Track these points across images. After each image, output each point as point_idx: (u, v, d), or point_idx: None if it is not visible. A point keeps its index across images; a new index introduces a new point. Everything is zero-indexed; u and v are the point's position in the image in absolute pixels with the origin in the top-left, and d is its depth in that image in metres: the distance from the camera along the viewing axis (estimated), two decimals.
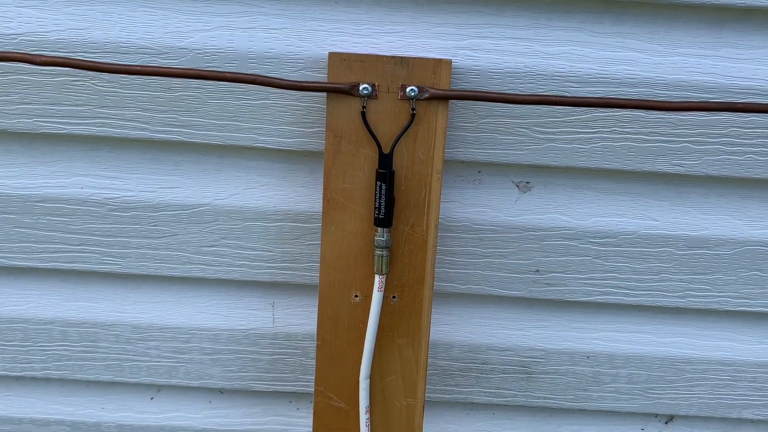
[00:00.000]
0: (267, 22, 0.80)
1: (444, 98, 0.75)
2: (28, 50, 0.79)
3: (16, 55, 0.72)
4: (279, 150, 0.88)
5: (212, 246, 0.93)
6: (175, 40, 0.80)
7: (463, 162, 0.87)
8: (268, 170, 0.89)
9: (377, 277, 0.82)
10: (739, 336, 1.01)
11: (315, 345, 0.98)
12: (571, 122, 0.83)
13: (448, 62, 0.76)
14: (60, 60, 0.71)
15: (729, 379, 1.04)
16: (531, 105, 0.75)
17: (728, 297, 0.96)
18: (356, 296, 0.85)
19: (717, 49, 0.80)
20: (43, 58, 0.72)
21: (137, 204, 0.91)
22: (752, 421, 1.07)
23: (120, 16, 0.80)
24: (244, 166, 0.89)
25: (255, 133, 0.86)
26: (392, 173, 0.78)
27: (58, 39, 0.80)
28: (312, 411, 1.04)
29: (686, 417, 1.08)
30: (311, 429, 1.03)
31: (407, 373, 0.87)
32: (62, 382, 1.08)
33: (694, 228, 0.91)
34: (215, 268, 0.96)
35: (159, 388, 1.08)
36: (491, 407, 1.08)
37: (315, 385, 0.87)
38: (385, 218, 0.79)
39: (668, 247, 0.92)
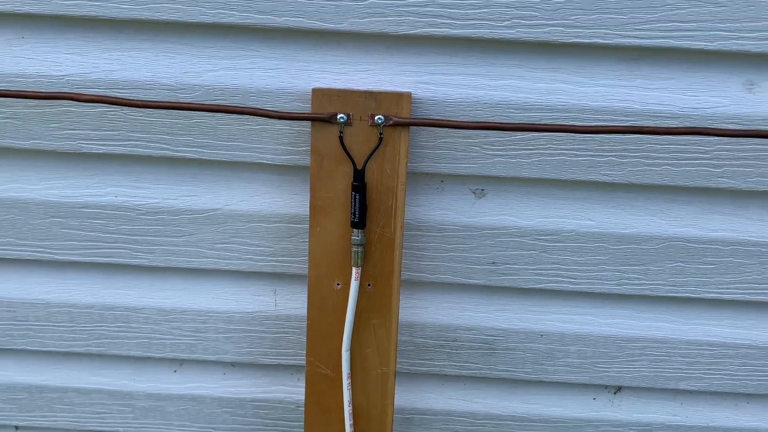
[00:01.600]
0: (264, 64, 0.95)
1: (405, 125, 0.91)
2: (73, 89, 0.95)
3: (64, 94, 0.89)
4: (275, 165, 1.02)
5: (223, 243, 1.08)
6: (189, 79, 0.95)
7: (428, 174, 1.02)
8: (267, 181, 1.04)
9: (354, 269, 0.97)
10: (672, 317, 1.14)
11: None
12: (514, 141, 0.98)
13: (409, 95, 0.91)
14: (99, 98, 0.88)
15: (665, 355, 1.16)
16: (475, 129, 0.91)
17: (659, 284, 1.09)
18: (338, 284, 1.00)
19: (632, 81, 0.94)
20: (86, 97, 0.89)
21: (162, 209, 1.06)
22: (689, 392, 1.20)
23: (146, 59, 0.95)
24: (248, 178, 1.04)
25: (256, 152, 1.00)
26: (365, 185, 0.94)
27: (97, 78, 0.95)
28: None
29: (632, 388, 1.21)
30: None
31: (381, 346, 1.02)
32: (101, 356, 1.21)
33: (623, 227, 1.05)
34: (226, 261, 1.10)
35: (181, 362, 1.22)
36: (462, 378, 1.21)
37: (306, 356, 1.02)
38: (359, 221, 0.94)
39: (603, 243, 1.06)
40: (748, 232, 1.05)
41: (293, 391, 1.22)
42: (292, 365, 1.19)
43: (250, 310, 1.15)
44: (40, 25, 0.94)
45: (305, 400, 1.05)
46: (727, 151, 0.98)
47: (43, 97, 0.90)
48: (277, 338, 1.16)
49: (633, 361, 1.17)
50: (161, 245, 1.08)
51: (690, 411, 1.23)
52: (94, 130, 0.99)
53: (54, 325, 1.17)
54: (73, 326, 1.17)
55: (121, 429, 1.26)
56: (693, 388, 1.19)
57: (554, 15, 0.89)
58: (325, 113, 0.91)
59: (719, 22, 0.89)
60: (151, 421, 1.26)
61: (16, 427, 1.29)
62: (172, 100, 0.94)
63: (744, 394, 1.20)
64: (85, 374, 1.23)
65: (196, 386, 1.24)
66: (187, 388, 1.24)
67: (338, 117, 0.91)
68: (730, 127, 0.93)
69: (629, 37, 0.90)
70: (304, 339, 1.16)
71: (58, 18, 0.93)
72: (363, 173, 0.93)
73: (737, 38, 0.90)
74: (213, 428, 1.25)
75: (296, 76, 0.95)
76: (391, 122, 0.90)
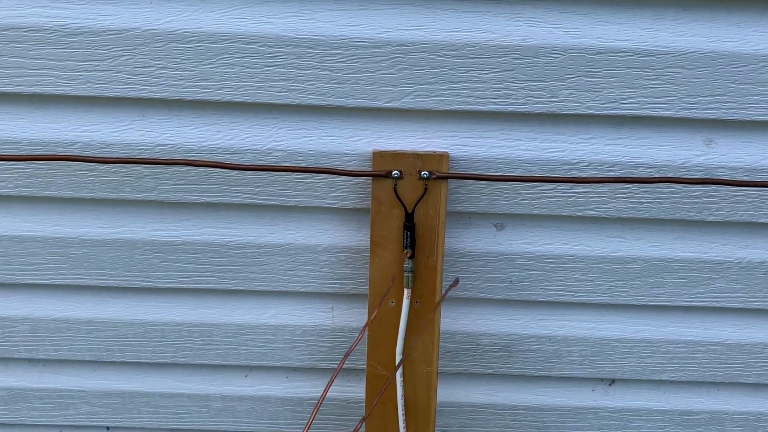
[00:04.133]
0: (333, 132, 1.17)
1: (445, 178, 1.15)
2: (184, 155, 1.16)
3: (181, 161, 1.13)
4: (337, 209, 1.23)
5: (293, 270, 1.28)
6: (275, 144, 1.17)
7: (459, 212, 1.24)
8: (333, 221, 1.24)
9: (406, 290, 1.19)
10: (654, 321, 1.33)
11: (360, 335, 1.30)
12: (526, 187, 1.21)
13: (447, 155, 1.15)
14: (211, 163, 1.12)
15: (649, 352, 1.35)
16: (498, 181, 1.16)
17: (643, 295, 1.29)
18: (392, 302, 1.23)
19: (618, 140, 1.17)
20: (199, 162, 1.13)
21: (245, 245, 1.26)
22: (670, 382, 1.39)
23: (241, 131, 1.16)
24: (315, 218, 1.24)
25: (322, 198, 1.22)
26: (413, 225, 1.16)
27: (202, 146, 1.17)
28: (360, 380, 1.37)
29: (623, 380, 1.39)
30: (363, 392, 1.35)
31: (426, 350, 1.24)
32: (184, 366, 1.38)
33: (614, 251, 1.26)
34: (294, 284, 1.29)
35: (251, 368, 1.39)
36: (485, 376, 1.39)
37: (367, 359, 1.24)
38: (410, 252, 1.18)
39: (598, 264, 1.27)
40: (711, 252, 1.27)
41: (345, 390, 1.40)
42: (344, 368, 1.37)
43: (312, 324, 1.34)
44: (157, 106, 1.16)
45: (366, 394, 1.27)
46: (692, 191, 1.22)
47: (163, 163, 1.14)
48: (333, 346, 1.36)
49: (624, 357, 1.36)
50: (243, 273, 1.29)
51: (671, 398, 1.41)
52: (195, 184, 1.22)
53: (148, 341, 1.36)
54: (163, 341, 1.36)
55: (197, 426, 1.44)
56: (673, 378, 1.38)
57: (558, 94, 1.14)
58: (383, 170, 1.15)
59: (683, 97, 1.14)
60: (223, 419, 1.44)
61: (107, 428, 1.46)
62: (261, 162, 1.17)
63: (714, 382, 1.39)
64: (170, 381, 1.40)
65: (263, 388, 1.41)
66: (255, 390, 1.41)
67: (393, 173, 1.15)
68: (693, 176, 1.18)
69: (616, 108, 1.14)
70: (357, 347, 1.26)
71: (173, 101, 1.15)
72: (412, 215, 1.16)
73: (696, 108, 1.14)
74: (276, 424, 1.44)
75: (358, 141, 1.17)
76: (434, 176, 1.15)
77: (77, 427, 1.47)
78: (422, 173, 1.15)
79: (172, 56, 1.12)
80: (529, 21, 1.10)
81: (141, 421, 1.45)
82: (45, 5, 1.09)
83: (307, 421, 1.45)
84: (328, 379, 1.38)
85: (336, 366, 1.38)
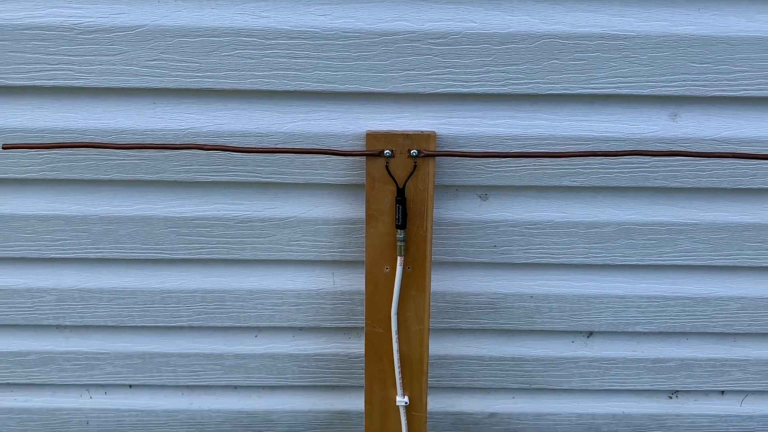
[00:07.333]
0: (330, 115, 1.25)
1: (432, 155, 1.25)
2: (192, 138, 1.25)
3: (191, 145, 1.23)
4: (338, 185, 1.32)
5: (296, 240, 1.38)
6: (276, 127, 1.26)
7: (447, 186, 1.33)
8: (331, 196, 1.34)
9: (399, 257, 1.29)
10: (626, 279, 1.43)
11: (360, 298, 1.40)
12: (507, 161, 1.30)
13: (434, 134, 1.25)
14: (218, 146, 1.22)
15: (623, 307, 1.45)
16: (481, 157, 1.26)
17: (616, 255, 1.38)
18: (387, 268, 1.33)
19: (590, 116, 1.26)
20: (208, 146, 1.22)
21: (251, 218, 1.36)
22: (643, 333, 1.49)
23: (245, 116, 1.25)
24: (318, 193, 1.33)
25: (323, 176, 1.31)
26: (404, 198, 1.26)
27: (209, 130, 1.26)
28: (360, 337, 1.48)
29: (600, 332, 1.50)
30: (362, 349, 1.47)
31: (418, 310, 1.34)
32: (199, 328, 1.49)
33: (589, 216, 1.35)
34: (297, 253, 1.39)
35: (261, 329, 1.49)
36: (473, 331, 1.50)
37: (365, 319, 1.34)
38: (402, 224, 1.27)
39: (574, 228, 1.36)
40: (678, 216, 1.37)
41: (346, 346, 1.51)
42: (345, 327, 1.48)
43: (315, 288, 1.43)
44: (167, 95, 1.25)
45: (365, 350, 1.39)
46: (659, 162, 1.31)
47: (174, 147, 1.24)
48: (334, 308, 1.46)
49: (600, 312, 1.47)
50: (251, 244, 1.39)
51: (644, 347, 1.52)
52: (204, 165, 1.31)
53: (165, 306, 1.46)
54: (179, 306, 1.46)
55: (212, 383, 1.55)
56: (646, 330, 1.48)
57: (534, 76, 1.23)
58: (376, 150, 1.24)
59: (649, 76, 1.23)
60: (236, 375, 1.55)
61: (130, 386, 1.58)
62: (264, 144, 1.27)
63: (683, 332, 1.50)
64: (186, 342, 1.51)
65: (272, 346, 1.51)
66: (265, 349, 1.51)
67: (385, 152, 1.25)
68: (660, 147, 1.28)
69: (587, 88, 1.23)
70: (354, 307, 1.45)
71: (181, 90, 1.24)
72: (404, 190, 1.26)
73: (661, 86, 1.24)
74: (284, 378, 1.55)
75: (353, 123, 1.26)
76: (422, 154, 1.25)
77: (102, 386, 1.58)
78: (412, 152, 1.25)
79: (179, 49, 1.21)
80: (506, 10, 1.19)
81: (160, 379, 1.56)
82: (62, 6, 1.18)
83: (312, 374, 1.55)
84: (330, 337, 1.51)
85: (337, 326, 1.49)
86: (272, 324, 1.48)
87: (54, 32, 1.20)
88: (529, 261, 1.42)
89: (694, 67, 1.23)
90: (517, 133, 1.28)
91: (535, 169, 1.32)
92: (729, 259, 1.41)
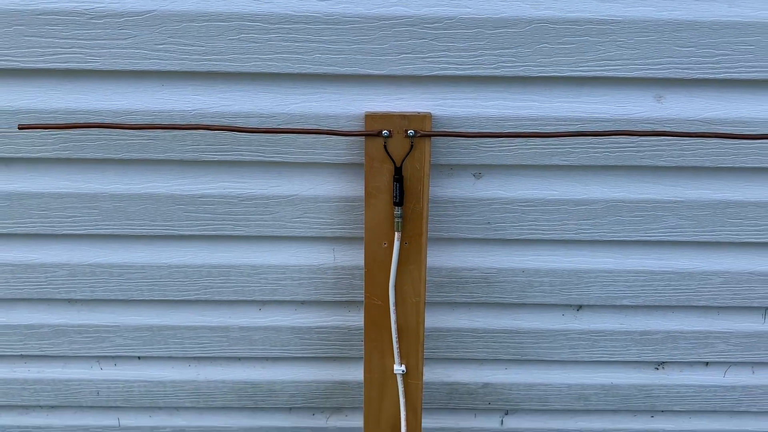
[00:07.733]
0: (330, 97, 1.29)
1: (428, 135, 1.29)
2: (200, 120, 1.29)
3: (200, 126, 1.28)
4: (338, 164, 1.35)
5: (299, 218, 1.40)
6: (279, 108, 1.30)
7: (442, 165, 1.36)
8: (332, 174, 1.36)
9: (396, 233, 1.33)
10: (614, 254, 1.46)
11: (359, 273, 1.44)
12: (500, 141, 1.34)
13: (429, 115, 1.29)
14: (224, 127, 1.27)
15: (611, 282, 1.49)
16: (475, 137, 1.32)
17: (604, 231, 1.42)
18: (385, 244, 1.37)
19: (579, 98, 1.30)
20: (215, 127, 1.27)
21: (255, 196, 1.39)
22: (630, 306, 1.52)
23: (249, 97, 1.29)
24: (319, 172, 1.36)
25: (325, 155, 1.34)
26: (401, 177, 1.30)
27: (216, 111, 1.30)
28: (359, 310, 1.52)
29: (589, 306, 1.53)
30: (361, 322, 1.51)
31: (414, 283, 1.38)
32: (205, 302, 1.51)
33: (579, 194, 1.39)
34: (300, 230, 1.41)
35: (264, 302, 1.52)
36: (467, 304, 1.53)
37: (365, 292, 1.39)
38: (399, 201, 1.30)
39: (565, 206, 1.40)
40: (663, 193, 1.40)
41: (346, 319, 1.54)
42: (345, 301, 1.51)
43: (316, 263, 1.46)
44: (175, 77, 1.29)
45: (364, 321, 1.44)
46: (645, 141, 1.36)
47: (181, 128, 1.29)
48: (335, 282, 1.50)
49: (589, 286, 1.49)
50: (255, 221, 1.42)
51: (632, 320, 1.55)
52: (210, 144, 1.35)
53: (173, 281, 1.49)
54: (186, 281, 1.49)
55: (218, 354, 1.59)
56: (633, 303, 1.51)
57: (526, 59, 1.27)
58: (375, 130, 1.29)
59: (635, 59, 1.27)
60: (241, 347, 1.58)
61: (139, 357, 1.62)
62: (267, 125, 1.31)
63: (669, 306, 1.53)
64: (193, 315, 1.54)
65: (275, 319, 1.54)
66: (268, 321, 1.54)
67: (383, 132, 1.30)
68: (646, 128, 1.33)
69: (576, 70, 1.28)
70: (355, 282, 1.50)
71: (189, 73, 1.28)
72: (401, 169, 1.30)
73: (647, 68, 1.28)
74: (287, 350, 1.59)
75: (352, 104, 1.29)
76: (419, 134, 1.30)
77: (112, 357, 1.63)
78: (408, 132, 1.29)
79: (187, 34, 1.25)
80: None
81: (168, 351, 1.60)
82: None
83: (314, 346, 1.61)
84: (331, 311, 1.55)
85: (338, 299, 1.53)
86: (275, 298, 1.52)
87: (67, 17, 1.24)
88: (522, 237, 1.45)
89: (678, 50, 1.27)
90: (509, 114, 1.32)
91: (527, 149, 1.37)
92: (712, 234, 1.45)
